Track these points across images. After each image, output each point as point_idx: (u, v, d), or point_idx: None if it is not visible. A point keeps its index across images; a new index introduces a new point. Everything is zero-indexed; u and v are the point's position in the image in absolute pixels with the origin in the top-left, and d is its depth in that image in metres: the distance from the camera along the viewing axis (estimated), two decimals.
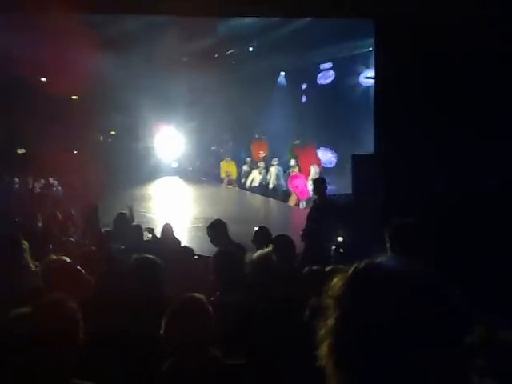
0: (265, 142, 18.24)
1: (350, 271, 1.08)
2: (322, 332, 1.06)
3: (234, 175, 17.40)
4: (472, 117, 6.22)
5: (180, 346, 2.54)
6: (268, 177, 16.11)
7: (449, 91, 6.41)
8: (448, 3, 6.19)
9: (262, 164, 16.71)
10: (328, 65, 18.66)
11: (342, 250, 6.15)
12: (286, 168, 16.12)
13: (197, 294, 2.70)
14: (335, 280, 1.09)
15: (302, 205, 13.97)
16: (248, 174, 17.01)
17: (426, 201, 5.80)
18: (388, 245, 3.53)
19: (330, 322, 1.05)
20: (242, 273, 3.56)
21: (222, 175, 17.49)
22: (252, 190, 16.46)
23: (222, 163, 17.71)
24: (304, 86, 19.78)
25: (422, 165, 6.50)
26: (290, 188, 14.74)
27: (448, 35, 6.17)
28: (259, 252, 3.62)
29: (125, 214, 8.22)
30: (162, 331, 2.56)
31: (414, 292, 1.00)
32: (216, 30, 15.20)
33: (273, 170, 16.03)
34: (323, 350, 1.05)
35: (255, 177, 16.63)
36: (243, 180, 17.10)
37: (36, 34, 12.52)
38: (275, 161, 16.22)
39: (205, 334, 2.56)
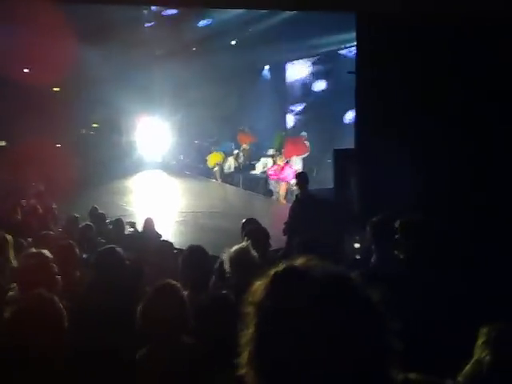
0: (249, 134, 18.20)
1: (269, 277, 1.04)
2: (243, 340, 1.03)
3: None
4: (455, 115, 6.25)
5: (154, 331, 2.57)
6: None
7: (431, 89, 6.44)
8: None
9: (236, 151, 17.26)
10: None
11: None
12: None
13: (172, 281, 2.73)
14: (256, 285, 1.05)
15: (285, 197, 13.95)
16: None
17: (406, 197, 5.85)
18: (370, 239, 3.60)
19: (250, 329, 1.02)
20: (210, 270, 3.58)
21: (211, 165, 17.31)
22: (229, 176, 16.77)
23: (211, 155, 17.54)
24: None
25: (403, 161, 6.55)
26: (279, 178, 14.57)
27: (432, 32, 6.19)
28: (235, 248, 3.58)
29: (97, 208, 8.18)
30: (137, 316, 2.58)
31: (333, 295, 0.98)
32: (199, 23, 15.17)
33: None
34: (243, 358, 1.02)
35: (231, 163, 16.94)
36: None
37: (17, 24, 12.35)
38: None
39: (180, 318, 2.58)
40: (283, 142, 16.48)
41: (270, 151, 16.04)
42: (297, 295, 0.98)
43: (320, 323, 0.95)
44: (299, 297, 0.98)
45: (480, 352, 1.94)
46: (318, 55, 18.26)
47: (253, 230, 4.63)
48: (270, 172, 15.00)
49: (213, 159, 17.43)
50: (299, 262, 1.05)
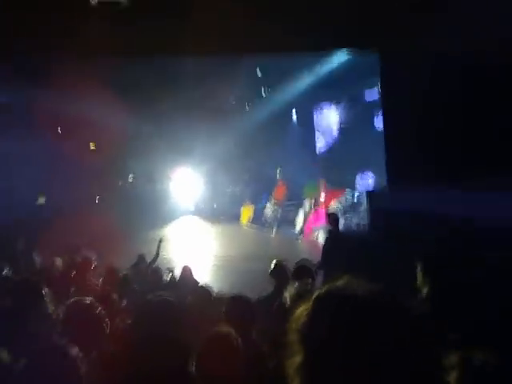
0: (285, 186, 18.21)
1: (312, 302, 1.02)
2: (291, 369, 0.99)
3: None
4: (486, 147, 6.20)
5: (209, 377, 2.52)
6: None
7: (460, 122, 6.41)
8: (455, 33, 6.24)
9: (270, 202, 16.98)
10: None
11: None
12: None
13: (225, 329, 2.71)
14: (298, 311, 1.02)
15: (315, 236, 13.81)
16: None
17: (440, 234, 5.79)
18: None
19: (298, 359, 0.98)
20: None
21: (244, 221, 17.42)
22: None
23: (243, 209, 17.69)
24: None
25: (435, 200, 6.49)
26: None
27: (458, 64, 6.22)
28: (297, 286, 3.63)
29: (144, 256, 8.33)
30: (193, 369, 2.56)
31: (379, 313, 0.96)
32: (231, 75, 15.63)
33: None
34: None
35: (268, 213, 16.90)
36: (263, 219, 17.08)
37: (55, 85, 12.96)
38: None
39: (234, 368, 2.54)
40: (317, 192, 16.30)
41: (306, 204, 15.80)
42: (342, 316, 0.97)
43: (369, 341, 0.93)
44: (345, 318, 0.96)
45: None
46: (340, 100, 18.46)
47: (300, 267, 4.74)
48: (309, 220, 14.81)
49: (245, 214, 17.55)
50: (339, 283, 1.04)
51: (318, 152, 19.75)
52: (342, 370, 0.93)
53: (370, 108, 16.95)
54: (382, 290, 1.02)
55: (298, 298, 3.45)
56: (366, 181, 16.43)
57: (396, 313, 0.98)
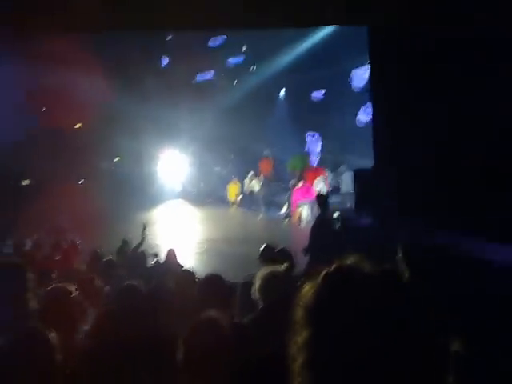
0: (271, 161, 18.25)
1: (320, 279, 1.00)
2: (295, 348, 0.98)
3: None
4: (473, 128, 6.20)
5: (197, 365, 2.49)
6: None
7: (449, 102, 6.40)
8: (444, 13, 6.20)
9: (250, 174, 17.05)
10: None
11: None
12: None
13: (213, 314, 2.69)
14: (306, 288, 1.01)
15: (306, 219, 13.84)
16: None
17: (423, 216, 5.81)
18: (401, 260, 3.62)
19: (302, 337, 0.97)
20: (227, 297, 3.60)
21: (232, 198, 17.35)
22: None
23: (229, 186, 17.60)
24: None
25: (422, 179, 6.50)
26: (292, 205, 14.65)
27: (447, 45, 6.17)
28: (273, 269, 3.58)
29: (128, 241, 8.26)
30: (180, 355, 2.51)
31: (388, 290, 0.96)
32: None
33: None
34: (297, 367, 0.98)
35: (254, 187, 16.89)
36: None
37: (41, 63, 12.72)
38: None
39: (221, 353, 2.50)
40: (305, 166, 16.33)
41: (292, 180, 15.81)
42: (350, 294, 0.96)
43: (377, 320, 0.92)
44: (353, 295, 0.95)
45: None
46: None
47: (277, 253, 4.70)
48: (295, 193, 14.73)
49: (232, 191, 17.48)
50: (349, 261, 1.03)
51: (306, 135, 19.79)
52: (347, 349, 0.92)
53: (358, 88, 16.98)
54: (391, 269, 1.01)
55: (272, 277, 3.42)
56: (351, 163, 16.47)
57: (404, 293, 0.98)
